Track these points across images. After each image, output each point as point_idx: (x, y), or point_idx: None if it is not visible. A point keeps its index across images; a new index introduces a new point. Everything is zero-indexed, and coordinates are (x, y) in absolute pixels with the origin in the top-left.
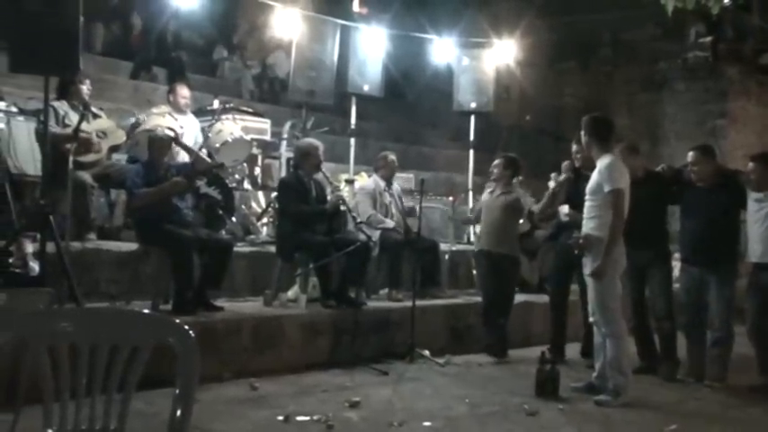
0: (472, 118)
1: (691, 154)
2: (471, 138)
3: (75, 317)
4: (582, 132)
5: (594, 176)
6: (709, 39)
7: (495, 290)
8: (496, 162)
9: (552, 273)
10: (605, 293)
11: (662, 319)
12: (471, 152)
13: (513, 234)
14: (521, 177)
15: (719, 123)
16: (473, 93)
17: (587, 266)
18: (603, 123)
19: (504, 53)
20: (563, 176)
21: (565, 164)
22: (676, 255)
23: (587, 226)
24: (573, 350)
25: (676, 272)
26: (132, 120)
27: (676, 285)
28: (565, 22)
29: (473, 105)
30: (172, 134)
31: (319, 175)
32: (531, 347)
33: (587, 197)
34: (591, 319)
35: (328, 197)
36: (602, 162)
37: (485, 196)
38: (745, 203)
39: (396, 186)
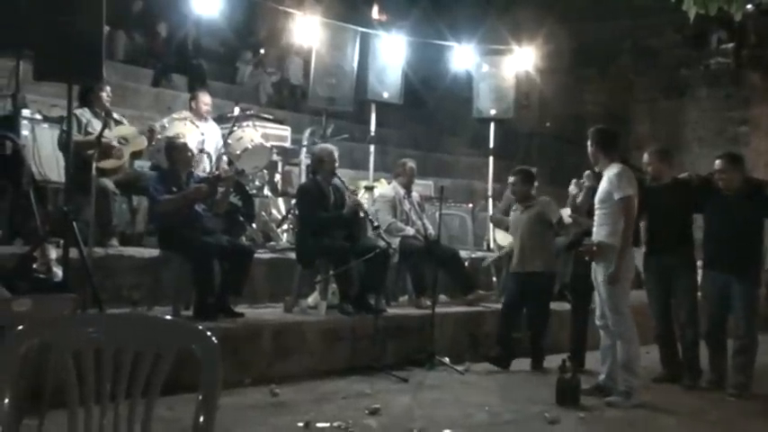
0: (492, 125)
1: (718, 162)
2: (491, 145)
3: (101, 322)
4: (588, 143)
5: (603, 185)
6: (731, 45)
7: (519, 309)
8: (512, 180)
9: (573, 280)
10: (617, 297)
11: (685, 326)
12: (491, 159)
13: (547, 247)
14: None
15: (742, 130)
16: (493, 99)
17: (599, 273)
18: (609, 134)
19: (524, 60)
20: (586, 183)
21: (587, 173)
22: (699, 262)
23: (599, 234)
24: (594, 357)
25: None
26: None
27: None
28: (585, 29)
29: (493, 112)
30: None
31: (337, 181)
32: (551, 355)
33: (597, 206)
34: (598, 323)
35: (347, 202)
36: (610, 171)
37: (512, 214)
38: (767, 212)
39: (415, 194)
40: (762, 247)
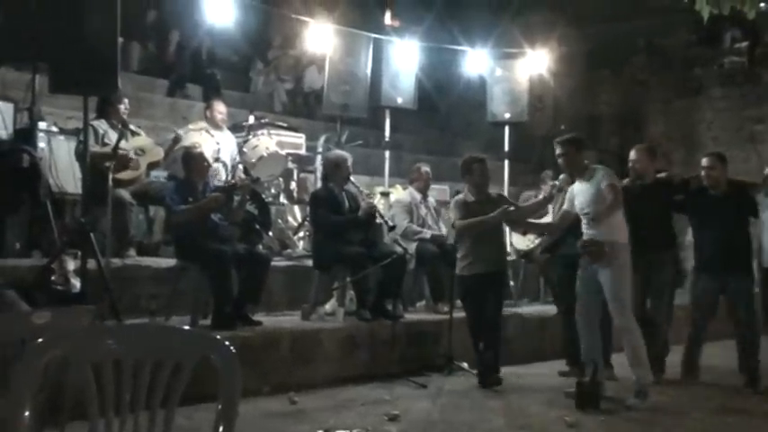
0: (506, 128)
1: (705, 159)
2: (506, 148)
3: (120, 333)
4: (562, 152)
5: (590, 188)
6: (745, 44)
7: (482, 313)
8: (477, 167)
9: (559, 283)
10: (620, 284)
11: (665, 324)
12: (506, 163)
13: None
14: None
15: (758, 129)
16: (507, 103)
17: (603, 270)
18: (583, 140)
19: (537, 63)
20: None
21: (562, 176)
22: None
23: (598, 235)
24: None
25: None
26: (172, 135)
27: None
28: (598, 30)
29: (507, 116)
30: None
31: (350, 187)
32: (550, 361)
33: (586, 210)
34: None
35: (362, 205)
36: (596, 173)
37: (470, 206)
38: (755, 212)
39: (431, 198)
40: (751, 245)
